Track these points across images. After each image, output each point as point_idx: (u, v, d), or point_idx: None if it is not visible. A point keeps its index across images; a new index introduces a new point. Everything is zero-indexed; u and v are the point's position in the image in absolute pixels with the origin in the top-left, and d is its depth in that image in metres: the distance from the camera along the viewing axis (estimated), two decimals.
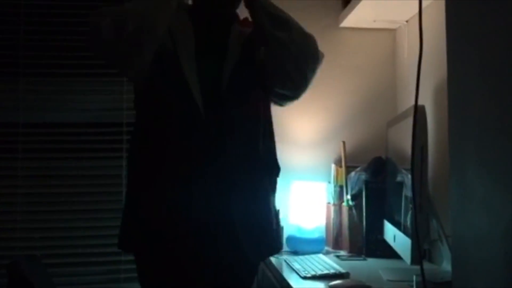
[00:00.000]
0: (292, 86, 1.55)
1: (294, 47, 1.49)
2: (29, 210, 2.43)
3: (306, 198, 2.36)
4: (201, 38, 1.56)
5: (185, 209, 1.47)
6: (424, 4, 1.22)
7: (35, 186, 2.43)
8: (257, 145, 1.56)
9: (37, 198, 2.43)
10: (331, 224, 2.37)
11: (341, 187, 2.37)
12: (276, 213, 1.67)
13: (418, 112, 1.50)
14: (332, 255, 2.21)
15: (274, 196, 1.65)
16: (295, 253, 2.21)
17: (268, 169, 1.61)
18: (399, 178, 1.85)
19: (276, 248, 1.69)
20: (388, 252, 2.01)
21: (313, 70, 1.54)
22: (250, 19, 1.56)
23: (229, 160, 1.50)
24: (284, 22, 1.52)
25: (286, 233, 2.32)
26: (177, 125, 1.50)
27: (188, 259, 1.49)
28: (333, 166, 2.45)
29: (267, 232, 1.59)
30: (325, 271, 1.85)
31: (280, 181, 2.38)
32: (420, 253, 1.33)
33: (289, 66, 1.50)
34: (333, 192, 2.40)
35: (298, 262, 2.01)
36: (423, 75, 1.19)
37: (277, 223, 1.67)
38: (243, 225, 1.50)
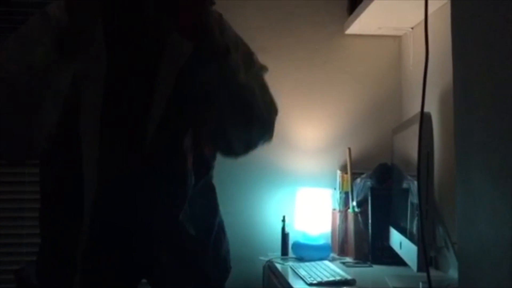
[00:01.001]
0: (231, 155, 1.25)
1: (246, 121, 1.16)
2: (36, 216, 2.43)
3: (311, 205, 2.35)
4: (118, 73, 1.11)
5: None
6: (429, 10, 1.22)
7: None
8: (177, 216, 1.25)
9: None
10: (337, 231, 2.37)
11: (346, 193, 2.36)
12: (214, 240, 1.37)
13: (424, 119, 1.50)
14: (338, 261, 2.21)
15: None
16: (301, 259, 2.21)
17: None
18: (405, 185, 1.85)
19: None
20: (394, 259, 2.01)
21: (261, 141, 1.22)
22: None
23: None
24: (247, 107, 1.14)
25: (291, 239, 2.32)
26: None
27: None
28: (338, 172, 2.44)
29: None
30: (331, 278, 1.84)
31: (285, 187, 2.43)
32: (426, 260, 1.33)
33: (232, 134, 1.18)
34: (338, 199, 2.40)
35: (304, 268, 2.01)
36: (429, 82, 1.19)
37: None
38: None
